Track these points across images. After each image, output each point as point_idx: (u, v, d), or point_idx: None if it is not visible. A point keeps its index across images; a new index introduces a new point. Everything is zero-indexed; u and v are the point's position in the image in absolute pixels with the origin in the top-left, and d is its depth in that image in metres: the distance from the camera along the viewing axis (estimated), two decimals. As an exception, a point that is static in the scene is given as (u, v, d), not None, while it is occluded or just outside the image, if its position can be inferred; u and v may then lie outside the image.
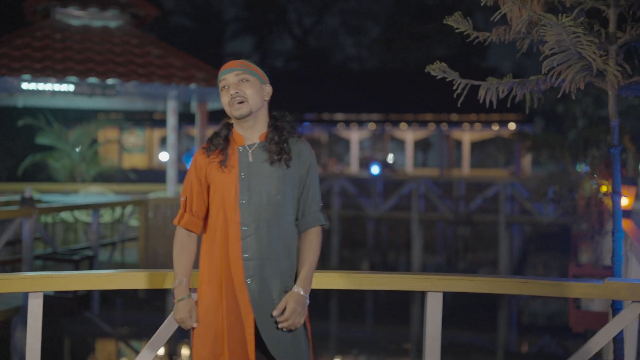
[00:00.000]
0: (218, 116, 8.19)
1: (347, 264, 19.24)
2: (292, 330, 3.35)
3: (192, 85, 12.73)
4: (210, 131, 3.67)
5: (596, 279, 4.16)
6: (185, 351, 10.05)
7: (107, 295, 11.81)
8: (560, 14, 3.79)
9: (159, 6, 14.44)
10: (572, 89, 4.13)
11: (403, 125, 34.28)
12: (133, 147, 33.35)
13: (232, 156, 3.41)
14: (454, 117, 33.14)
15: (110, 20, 13.81)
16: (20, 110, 17.25)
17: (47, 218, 11.77)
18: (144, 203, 12.20)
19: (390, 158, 37.88)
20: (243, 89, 3.40)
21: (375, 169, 25.24)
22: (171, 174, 13.59)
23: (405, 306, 13.77)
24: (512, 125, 31.73)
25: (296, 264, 3.45)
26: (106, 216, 12.74)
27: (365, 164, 34.48)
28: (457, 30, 4.66)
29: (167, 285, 3.85)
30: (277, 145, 3.40)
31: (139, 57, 13.16)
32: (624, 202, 7.87)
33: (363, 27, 48.74)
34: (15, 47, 12.79)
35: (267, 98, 3.52)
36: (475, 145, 37.88)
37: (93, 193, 14.16)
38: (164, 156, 34.57)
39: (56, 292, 8.17)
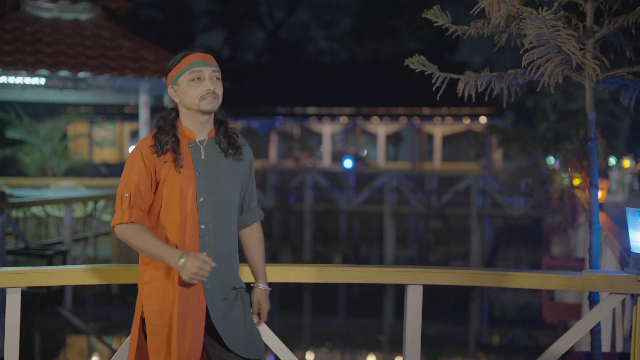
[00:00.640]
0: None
1: (320, 258, 19.28)
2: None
3: (165, 79, 12.64)
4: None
5: (573, 271, 4.20)
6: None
7: (79, 290, 11.72)
8: (539, 8, 3.81)
9: (129, -1, 14.38)
10: (551, 82, 4.16)
11: (375, 119, 34.37)
12: (103, 141, 33.09)
13: (184, 153, 3.34)
14: (426, 110, 33.27)
15: (81, 12, 13.68)
16: (-11, 104, 17.04)
17: (18, 213, 11.64)
18: (117, 197, 12.10)
19: (363, 152, 37.97)
20: (216, 87, 3.36)
21: (348, 163, 25.25)
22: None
23: (378, 299, 13.82)
24: (483, 119, 31.91)
25: (238, 258, 3.49)
26: (78, 211, 12.63)
27: (337, 157, 34.52)
28: (435, 24, 4.68)
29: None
30: (229, 140, 3.40)
31: (110, 50, 13.05)
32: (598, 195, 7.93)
33: (334, 20, 48.71)
34: (-16, 39, 12.64)
35: None
36: (447, 139, 38.05)
37: (64, 187, 14.03)
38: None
39: (29, 287, 8.08)
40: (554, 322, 9.25)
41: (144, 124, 13.49)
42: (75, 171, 16.90)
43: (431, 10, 4.58)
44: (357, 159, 31.17)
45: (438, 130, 35.67)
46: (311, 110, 35.10)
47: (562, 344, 4.03)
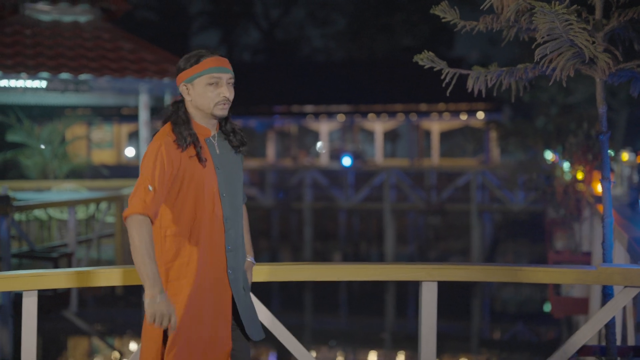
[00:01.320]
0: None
1: (320, 256, 19.26)
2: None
3: (166, 79, 12.66)
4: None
5: (584, 265, 4.21)
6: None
7: (83, 292, 11.70)
8: (552, 2, 3.81)
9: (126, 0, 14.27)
10: (563, 76, 4.16)
11: (372, 116, 34.38)
12: (101, 143, 33.08)
13: (203, 147, 3.40)
14: (423, 107, 33.27)
15: (80, 15, 13.66)
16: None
17: (20, 216, 11.62)
18: (120, 199, 12.10)
19: (361, 149, 37.98)
20: (231, 93, 3.45)
21: (347, 161, 25.27)
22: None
23: (380, 296, 13.82)
24: (480, 115, 31.91)
25: None
26: (80, 213, 12.61)
27: (335, 155, 34.51)
28: (443, 20, 4.69)
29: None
30: (237, 135, 3.52)
31: (111, 51, 13.04)
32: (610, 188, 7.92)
33: (329, 18, 48.70)
34: (-17, 43, 12.61)
35: None
36: (444, 135, 38.08)
37: (66, 190, 14.01)
38: (130, 152, 34.28)
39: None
40: (561, 317, 9.25)
41: (144, 125, 13.47)
42: (76, 173, 16.87)
43: (439, 6, 4.59)
44: (356, 156, 31.16)
45: (435, 126, 35.68)
46: (308, 108, 35.08)
47: (579, 338, 4.03)
